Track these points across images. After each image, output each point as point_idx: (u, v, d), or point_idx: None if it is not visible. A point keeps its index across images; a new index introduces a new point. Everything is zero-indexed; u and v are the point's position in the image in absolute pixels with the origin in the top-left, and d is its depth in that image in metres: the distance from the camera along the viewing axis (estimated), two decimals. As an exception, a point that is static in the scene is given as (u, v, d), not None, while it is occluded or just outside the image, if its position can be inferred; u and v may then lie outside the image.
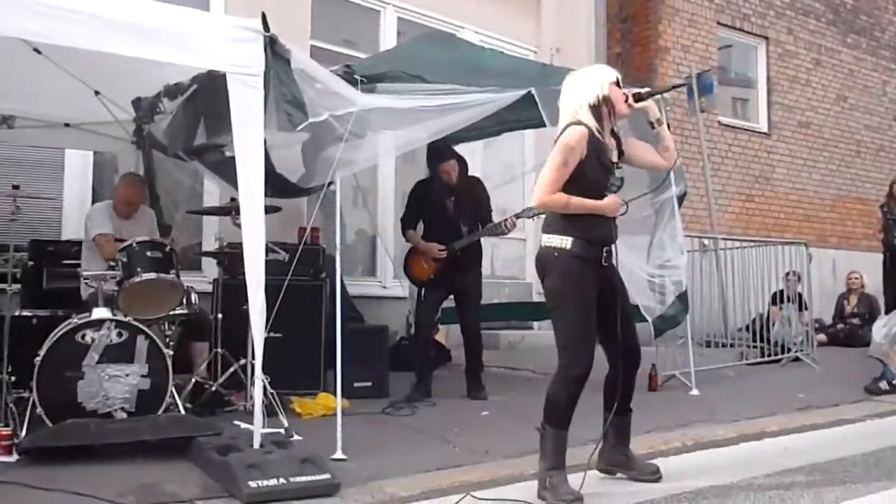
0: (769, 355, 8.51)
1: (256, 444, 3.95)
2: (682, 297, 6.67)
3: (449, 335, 7.86)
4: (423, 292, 6.41)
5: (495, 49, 8.11)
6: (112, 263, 5.02)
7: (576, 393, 3.75)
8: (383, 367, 6.34)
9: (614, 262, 3.93)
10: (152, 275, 4.93)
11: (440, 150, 6.24)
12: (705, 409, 5.80)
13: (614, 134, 3.95)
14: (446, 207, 6.32)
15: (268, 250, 4.19)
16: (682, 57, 11.56)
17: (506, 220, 6.23)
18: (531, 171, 8.83)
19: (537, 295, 8.65)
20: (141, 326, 4.64)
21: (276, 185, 5.02)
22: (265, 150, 4.18)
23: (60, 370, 4.40)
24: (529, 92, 5.59)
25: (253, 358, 4.50)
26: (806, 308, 9.03)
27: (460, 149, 6.62)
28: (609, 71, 3.95)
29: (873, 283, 10.66)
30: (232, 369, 5.48)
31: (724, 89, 12.10)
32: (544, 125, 5.61)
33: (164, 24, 3.90)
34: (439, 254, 6.22)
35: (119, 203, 5.74)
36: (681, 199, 6.85)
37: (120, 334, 4.55)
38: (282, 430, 4.45)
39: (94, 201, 6.86)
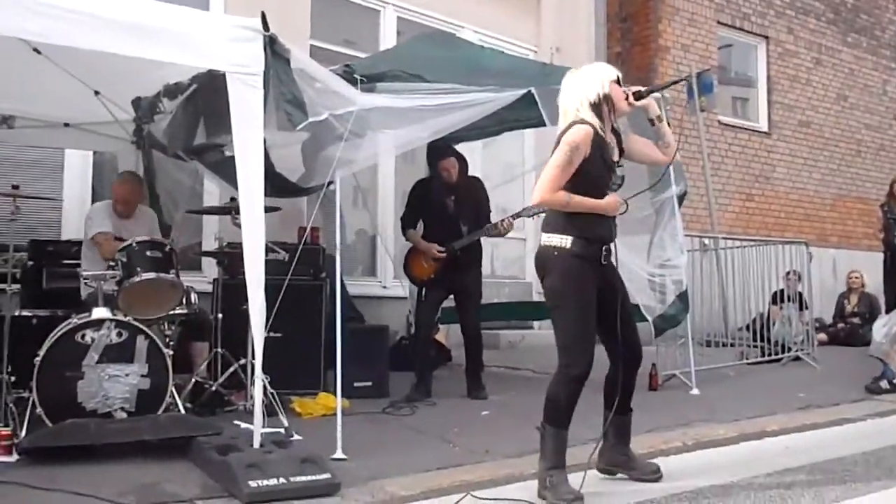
0: (770, 355, 8.51)
1: (256, 444, 3.95)
2: (683, 297, 6.67)
3: (449, 335, 7.86)
4: (423, 292, 6.41)
5: (495, 48, 8.10)
6: (112, 263, 5.02)
7: (576, 392, 3.75)
8: (383, 367, 6.34)
9: (613, 260, 3.93)
10: (152, 274, 4.92)
11: (440, 148, 6.24)
12: (706, 409, 5.80)
13: (615, 131, 3.95)
14: (446, 206, 6.31)
15: (268, 250, 4.19)
16: (683, 56, 11.56)
17: (503, 220, 6.24)
18: (531, 170, 8.85)
19: (537, 294, 8.64)
20: (141, 326, 4.64)
21: (276, 184, 5.02)
22: (265, 149, 4.18)
23: (60, 370, 4.40)
24: (529, 91, 5.59)
25: (253, 358, 4.50)
26: (806, 307, 9.03)
27: (460, 148, 6.62)
28: (609, 69, 3.94)
29: (874, 282, 10.66)
30: (232, 369, 5.48)
31: (724, 88, 12.10)
32: (544, 124, 5.62)
33: (164, 23, 3.90)
34: (439, 254, 6.22)
35: (116, 201, 5.73)
36: (681, 198, 6.85)
37: (120, 334, 4.55)
38: (282, 430, 4.45)
39: (93, 201, 6.85)
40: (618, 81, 3.89)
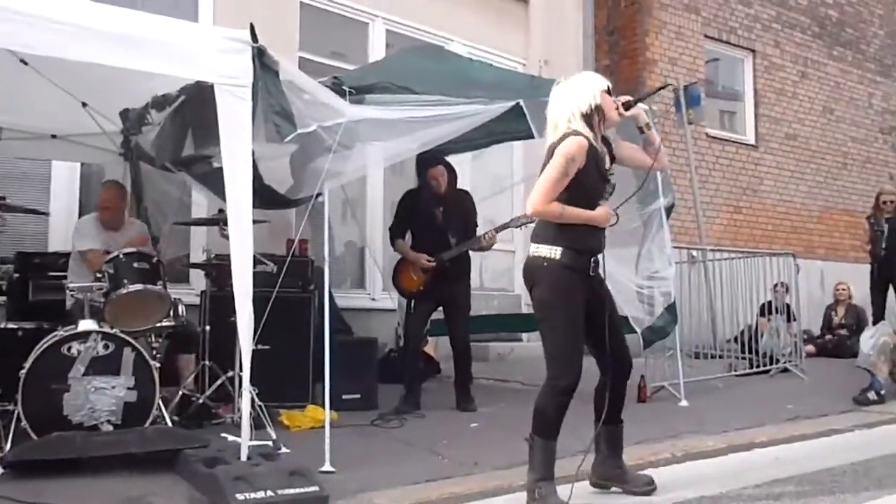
0: (758, 366, 8.52)
1: (244, 457, 3.93)
2: (671, 309, 6.68)
3: (438, 347, 7.85)
4: (412, 304, 6.40)
5: (484, 61, 8.13)
6: (98, 275, 4.99)
7: (564, 404, 3.75)
8: (372, 380, 6.32)
9: (601, 272, 3.93)
10: (139, 286, 4.90)
11: (429, 158, 6.24)
12: (694, 420, 5.81)
13: (604, 140, 3.96)
14: (435, 217, 6.32)
15: (256, 262, 4.18)
16: (670, 69, 11.61)
17: (486, 233, 6.26)
18: (520, 182, 8.86)
19: (526, 307, 8.64)
20: (127, 338, 4.61)
21: (265, 196, 5.01)
22: (253, 161, 4.17)
23: (46, 383, 4.36)
24: (518, 104, 5.61)
25: (240, 370, 4.47)
26: (794, 319, 9.05)
27: (449, 160, 6.61)
28: (600, 79, 3.96)
29: (861, 294, 10.69)
30: (219, 381, 5.44)
31: (711, 102, 12.15)
32: (533, 137, 5.64)
33: (152, 34, 3.90)
34: (427, 264, 6.21)
35: (99, 209, 5.70)
36: (669, 210, 6.87)
37: (106, 346, 4.52)
38: (270, 443, 4.42)
39: (80, 213, 6.83)
40: (608, 91, 3.90)
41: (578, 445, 4.08)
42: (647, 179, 4.42)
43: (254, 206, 4.09)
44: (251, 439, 4.03)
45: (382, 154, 5.51)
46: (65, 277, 5.57)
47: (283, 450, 4.38)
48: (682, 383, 6.70)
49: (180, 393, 5.37)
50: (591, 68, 10.70)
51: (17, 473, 3.99)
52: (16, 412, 4.29)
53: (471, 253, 6.44)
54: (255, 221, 4.12)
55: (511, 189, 8.97)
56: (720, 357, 9.00)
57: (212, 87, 4.02)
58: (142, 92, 5.23)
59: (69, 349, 4.45)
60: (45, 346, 4.48)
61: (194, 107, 5.03)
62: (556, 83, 4.00)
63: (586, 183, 3.77)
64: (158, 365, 4.74)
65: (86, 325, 4.59)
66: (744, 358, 8.75)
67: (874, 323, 8.83)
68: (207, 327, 5.61)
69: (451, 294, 6.31)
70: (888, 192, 9.93)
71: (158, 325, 5.15)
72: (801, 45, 13.55)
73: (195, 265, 6.37)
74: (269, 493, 3.55)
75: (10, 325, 5.32)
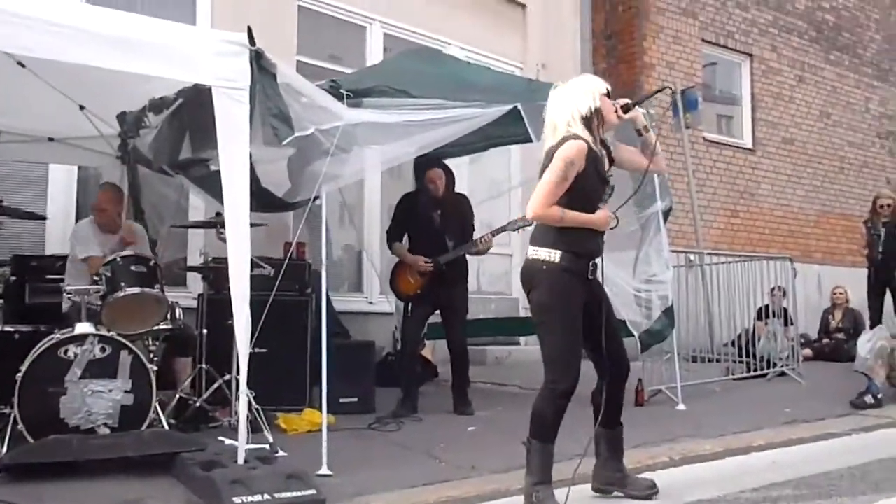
0: (755, 370, 8.52)
1: (241, 460, 3.93)
2: (669, 312, 6.68)
3: (435, 351, 7.84)
4: (409, 308, 6.40)
5: (481, 65, 8.13)
6: (96, 278, 4.99)
7: (562, 407, 3.74)
8: (369, 383, 6.31)
9: (599, 275, 3.93)
10: (136, 289, 4.90)
11: (428, 160, 6.24)
12: (692, 424, 5.81)
13: (603, 143, 3.96)
14: (433, 221, 6.32)
15: (253, 265, 4.18)
16: (668, 73, 11.62)
17: (482, 237, 6.26)
18: (517, 186, 8.87)
19: (524, 310, 8.64)
20: (124, 341, 4.61)
21: (262, 199, 5.00)
22: (251, 164, 4.17)
23: (42, 386, 4.36)
24: (515, 107, 5.62)
25: (238, 373, 4.46)
26: (791, 323, 9.06)
27: (446, 164, 6.62)
28: (599, 81, 3.95)
29: (858, 298, 10.70)
30: (216, 385, 5.44)
31: (708, 106, 12.16)
32: (530, 140, 5.63)
33: (150, 37, 3.90)
34: (425, 267, 6.21)
35: (96, 211, 5.69)
36: (666, 214, 6.88)
37: (103, 349, 4.51)
38: (267, 446, 4.42)
39: (78, 216, 6.81)
40: (607, 94, 3.90)
41: (576, 449, 4.07)
42: (644, 182, 4.42)
43: (251, 210, 4.09)
44: (248, 443, 4.02)
45: (380, 157, 5.51)
46: (62, 280, 5.56)
47: (280, 453, 4.38)
48: (679, 387, 6.70)
49: (177, 396, 5.37)
50: (589, 72, 10.62)
51: (13, 477, 3.98)
52: (12, 415, 4.29)
53: (468, 256, 6.44)
54: (252, 225, 4.12)
55: (508, 193, 8.97)
56: (717, 361, 8.98)
57: (209, 90, 4.02)
58: (139, 95, 5.23)
59: (66, 352, 4.44)
60: (42, 349, 4.47)
61: (192, 110, 5.03)
62: (554, 86, 4.00)
63: (586, 186, 3.77)
64: (155, 368, 4.73)
65: (82, 328, 4.58)
66: (741, 362, 8.75)
67: (871, 327, 8.83)
68: (204, 330, 5.61)
69: (449, 297, 6.31)
70: (885, 196, 9.94)
71: (155, 328, 5.15)
72: (799, 49, 13.57)
73: (192, 268, 6.36)
74: (266, 496, 3.54)
75: (7, 328, 5.31)
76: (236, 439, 4.04)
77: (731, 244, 11.92)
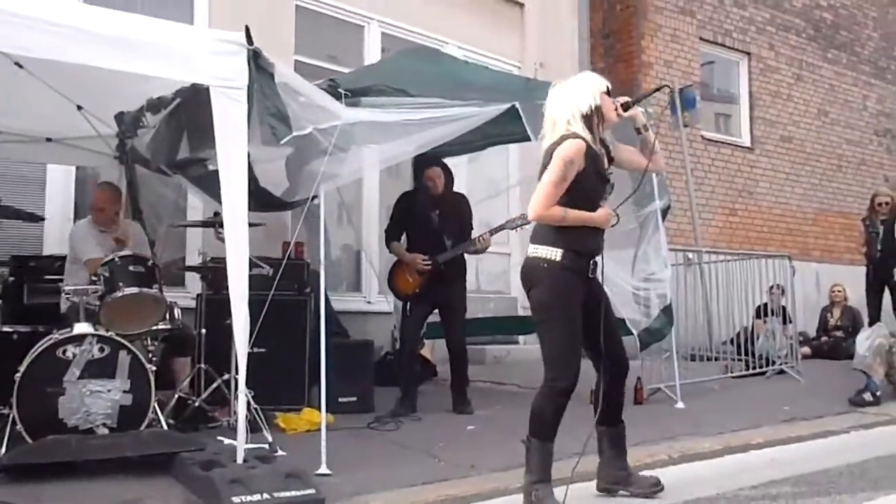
0: (754, 368, 8.53)
1: (240, 460, 3.92)
2: (667, 311, 6.68)
3: (434, 350, 7.84)
4: (408, 307, 6.40)
5: (479, 64, 8.13)
6: (94, 278, 4.98)
7: (562, 406, 3.74)
8: (368, 382, 6.31)
9: (599, 274, 3.92)
10: (135, 289, 4.89)
11: (426, 159, 6.23)
12: (691, 422, 5.81)
13: (602, 141, 3.95)
14: (431, 220, 6.32)
15: (251, 265, 4.18)
16: (665, 72, 11.63)
17: (481, 236, 6.25)
18: (516, 185, 8.86)
19: (523, 309, 8.65)
20: (123, 341, 4.60)
21: (260, 199, 5.00)
22: (249, 163, 4.17)
23: (41, 386, 4.35)
24: (513, 106, 5.61)
25: (236, 373, 4.46)
26: (790, 321, 9.07)
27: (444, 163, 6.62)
28: (599, 79, 3.94)
29: (856, 296, 10.71)
30: (215, 385, 5.44)
31: (706, 104, 12.17)
32: (528, 139, 5.63)
33: (148, 37, 3.89)
34: (423, 265, 6.21)
35: (93, 210, 5.69)
36: (665, 212, 6.88)
37: (102, 349, 4.51)
38: (266, 446, 4.42)
39: (76, 216, 6.81)
40: (607, 92, 3.90)
41: (575, 447, 4.06)
42: (644, 180, 4.42)
43: (249, 209, 4.08)
44: (247, 442, 4.02)
45: (378, 156, 5.50)
46: (60, 280, 5.56)
47: (280, 453, 4.38)
48: (678, 385, 6.70)
49: (176, 396, 5.36)
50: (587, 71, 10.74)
51: (12, 477, 3.97)
52: (11, 415, 4.28)
53: (467, 255, 6.44)
54: (250, 224, 4.12)
55: (507, 192, 8.95)
56: (716, 359, 8.99)
57: (207, 89, 4.01)
58: (137, 95, 5.22)
59: (64, 352, 4.43)
60: (41, 349, 4.47)
61: (190, 109, 5.03)
62: (552, 85, 4.00)
63: (586, 185, 3.77)
64: (154, 368, 4.72)
65: (81, 328, 4.57)
66: (740, 360, 8.76)
67: (870, 325, 8.83)
68: (203, 330, 5.62)
69: (448, 296, 6.31)
70: (883, 193, 9.95)
71: (154, 328, 5.14)
72: (796, 47, 13.58)
73: (191, 268, 6.36)
74: (266, 495, 3.54)
75: (6, 329, 5.31)
76: (235, 439, 4.04)
77: (730, 242, 11.92)
